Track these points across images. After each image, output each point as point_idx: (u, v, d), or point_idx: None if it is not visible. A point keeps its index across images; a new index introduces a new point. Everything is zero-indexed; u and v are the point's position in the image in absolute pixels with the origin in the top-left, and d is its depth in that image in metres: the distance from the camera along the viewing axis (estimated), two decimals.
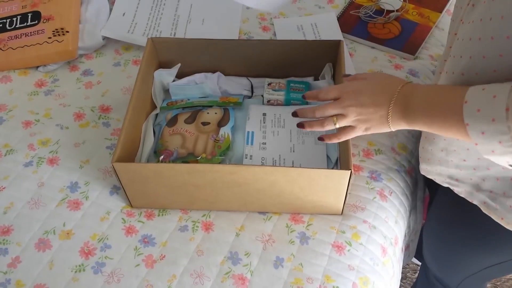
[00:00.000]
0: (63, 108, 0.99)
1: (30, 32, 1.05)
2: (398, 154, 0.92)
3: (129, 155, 0.83)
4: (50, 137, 0.93)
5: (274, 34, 1.14)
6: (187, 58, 0.97)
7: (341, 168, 0.82)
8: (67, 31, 1.04)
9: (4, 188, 0.86)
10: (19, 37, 1.05)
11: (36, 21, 1.06)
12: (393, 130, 0.67)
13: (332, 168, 0.85)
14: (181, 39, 0.95)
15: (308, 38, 1.12)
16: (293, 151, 0.86)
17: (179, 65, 0.97)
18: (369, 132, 0.69)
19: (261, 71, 0.99)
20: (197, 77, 0.98)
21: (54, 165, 0.89)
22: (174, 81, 0.98)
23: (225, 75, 1.00)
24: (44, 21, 1.06)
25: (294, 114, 0.75)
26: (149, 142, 0.88)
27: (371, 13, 1.16)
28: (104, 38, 1.09)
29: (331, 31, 1.14)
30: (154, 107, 0.95)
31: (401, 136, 0.95)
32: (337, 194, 0.77)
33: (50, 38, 1.03)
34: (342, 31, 1.13)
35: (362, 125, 0.68)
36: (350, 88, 0.69)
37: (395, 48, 1.10)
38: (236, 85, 0.99)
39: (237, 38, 1.12)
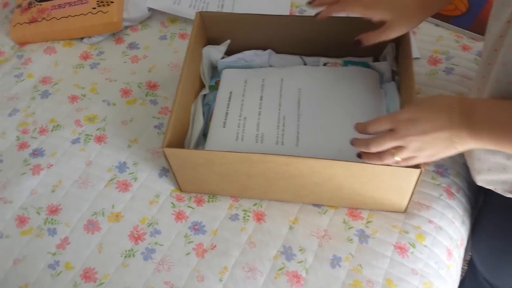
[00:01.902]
0: (109, 83, 0.95)
1: (74, 2, 1.01)
2: None
3: (179, 139, 0.79)
4: (97, 113, 0.91)
5: None
6: (236, 34, 0.91)
7: None
8: (112, 2, 0.99)
9: (51, 165, 0.84)
10: (63, 6, 1.01)
11: None
12: (461, 151, 0.60)
13: None
14: (231, 14, 0.89)
15: None
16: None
17: (228, 41, 0.91)
18: (433, 159, 0.63)
19: (315, 49, 0.92)
20: (247, 54, 0.92)
21: (101, 143, 0.87)
22: (223, 58, 0.93)
23: (277, 52, 0.94)
24: None
25: (352, 143, 0.69)
26: (198, 124, 0.84)
27: None
28: (150, 9, 1.04)
29: None
30: (202, 85, 0.91)
31: None
32: (402, 192, 0.72)
33: (94, 8, 0.99)
34: None
35: (424, 153, 0.62)
36: (403, 117, 0.62)
37: (462, 26, 1.01)
38: (288, 63, 0.93)
39: (288, 11, 1.05)
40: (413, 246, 0.75)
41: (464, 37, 1.01)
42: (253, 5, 1.06)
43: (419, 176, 0.68)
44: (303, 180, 0.74)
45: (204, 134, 0.85)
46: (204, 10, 1.04)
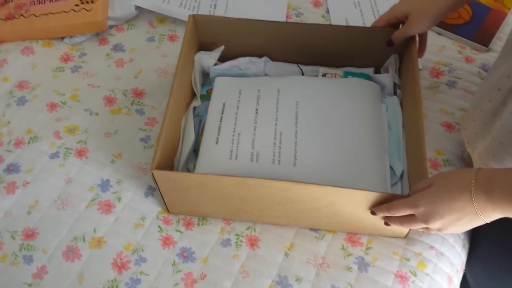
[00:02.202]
0: (92, 89, 0.88)
1: None
2: (467, 164, 0.82)
3: (168, 157, 0.73)
4: (78, 123, 0.84)
5: (327, 11, 1.01)
6: (231, 40, 0.85)
7: (410, 184, 0.72)
8: None
9: (28, 183, 0.77)
10: (43, 2, 0.93)
11: None
12: (489, 222, 0.59)
13: (396, 184, 0.75)
14: (226, 18, 0.83)
15: (366, 17, 0.99)
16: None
17: (222, 47, 0.85)
18: (460, 232, 0.64)
19: (313, 58, 0.87)
20: (241, 61, 0.86)
21: (82, 157, 0.80)
22: (215, 65, 0.87)
23: (273, 60, 0.88)
24: None
25: (373, 213, 0.67)
26: (189, 140, 0.78)
27: None
28: (137, 7, 0.96)
29: None
30: (194, 95, 0.84)
31: None
32: None
33: (77, 5, 0.91)
34: None
35: (448, 231, 0.62)
36: (422, 201, 0.61)
37: (466, 36, 0.96)
38: (285, 72, 0.87)
39: (284, 14, 0.99)
40: (414, 274, 0.71)
41: (467, 47, 0.96)
42: (247, 5, 0.99)
43: None
44: (301, 205, 0.69)
45: (195, 149, 0.79)
46: (195, 9, 0.97)
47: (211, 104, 0.81)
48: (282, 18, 0.98)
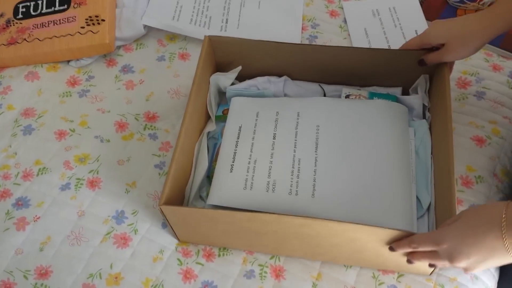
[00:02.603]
0: (102, 114, 0.84)
1: (59, 20, 0.89)
2: (500, 181, 0.77)
3: (179, 187, 0.69)
4: (88, 152, 0.80)
5: (344, 21, 0.96)
6: (248, 60, 0.81)
7: (437, 219, 0.67)
8: (103, 20, 0.87)
9: (38, 218, 0.73)
10: (46, 25, 0.89)
11: (66, 6, 0.90)
12: None
13: (422, 217, 0.70)
14: (243, 39, 0.78)
15: (385, 26, 0.94)
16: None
17: (239, 68, 0.81)
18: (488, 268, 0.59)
19: (336, 77, 0.81)
20: (260, 81, 0.82)
21: (95, 188, 0.76)
22: (233, 84, 0.82)
23: (293, 79, 0.83)
24: (75, 5, 0.89)
25: (391, 249, 0.62)
26: (201, 168, 0.74)
27: None
28: (145, 26, 0.92)
29: (413, 17, 0.95)
30: (208, 117, 0.80)
31: (503, 157, 0.79)
32: None
33: (83, 28, 0.87)
34: (426, 18, 0.95)
35: (475, 270, 0.56)
36: (447, 237, 0.56)
37: (492, 43, 0.92)
38: (306, 92, 0.82)
39: (300, 25, 0.95)
40: None
41: (494, 55, 0.91)
42: (261, 18, 0.95)
43: None
44: (320, 240, 0.64)
45: (209, 175, 0.75)
46: (206, 25, 0.93)
47: (227, 126, 0.77)
48: (298, 30, 0.94)
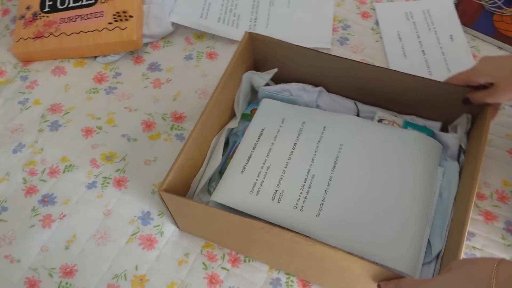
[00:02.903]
0: (129, 113, 0.83)
1: (87, 15, 0.87)
2: None
3: (185, 176, 0.69)
4: (115, 150, 0.79)
5: (376, 23, 0.94)
6: (285, 63, 0.78)
7: (441, 268, 0.63)
8: (131, 16, 0.86)
9: (64, 215, 0.73)
10: (74, 20, 0.88)
11: (93, 0, 0.89)
12: None
13: (429, 263, 0.65)
14: (282, 42, 0.75)
15: (419, 29, 0.91)
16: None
17: (275, 70, 0.78)
18: None
19: (372, 98, 0.77)
20: (294, 87, 0.79)
21: (121, 187, 0.75)
22: (267, 85, 0.81)
23: (329, 91, 0.80)
24: (103, 0, 0.88)
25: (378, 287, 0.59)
26: (214, 163, 0.72)
27: (499, 1, 0.93)
28: (173, 23, 0.91)
29: (448, 21, 0.93)
30: (233, 115, 0.79)
31: None
32: None
33: (110, 23, 0.86)
34: (462, 23, 0.92)
35: None
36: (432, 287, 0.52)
37: None
38: (339, 107, 0.78)
39: (330, 27, 0.92)
40: None
41: None
42: (289, 19, 0.93)
43: None
44: (311, 262, 0.62)
45: (221, 171, 0.74)
46: (235, 23, 0.92)
47: (250, 126, 0.75)
48: (328, 31, 0.92)
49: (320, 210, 0.65)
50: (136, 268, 0.69)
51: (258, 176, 0.69)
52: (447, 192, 0.69)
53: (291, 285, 0.68)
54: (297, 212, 0.65)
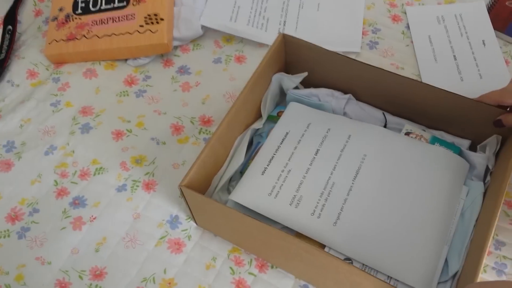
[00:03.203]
0: (158, 116, 0.84)
1: (118, 17, 0.88)
2: None
3: (206, 173, 0.69)
4: (145, 154, 0.80)
5: (407, 27, 0.93)
6: (315, 68, 0.78)
7: None
8: (162, 19, 0.87)
9: (95, 218, 0.74)
10: (105, 22, 0.89)
11: (125, 2, 0.89)
12: None
13: (445, 282, 0.64)
14: (315, 45, 0.74)
15: (451, 34, 0.90)
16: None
17: (305, 73, 0.78)
18: None
19: (401, 109, 0.76)
20: (323, 92, 0.79)
21: (150, 191, 0.76)
22: (296, 88, 0.80)
23: (357, 99, 0.79)
24: (134, 3, 0.89)
25: None
26: (236, 162, 0.72)
27: None
28: (203, 27, 0.91)
29: (480, 26, 0.90)
30: (258, 116, 0.79)
31: None
32: None
33: (142, 26, 0.87)
34: (494, 28, 0.90)
35: None
36: None
37: None
38: (367, 117, 0.77)
39: (360, 30, 0.91)
40: None
41: None
42: (319, 22, 0.92)
43: None
44: (323, 272, 0.62)
45: (242, 171, 0.74)
46: (263, 27, 0.91)
47: (275, 129, 0.76)
48: (358, 35, 0.91)
49: (337, 219, 0.65)
50: (165, 271, 0.70)
51: (278, 179, 0.69)
52: (469, 212, 0.67)
53: None
54: (314, 219, 0.65)
